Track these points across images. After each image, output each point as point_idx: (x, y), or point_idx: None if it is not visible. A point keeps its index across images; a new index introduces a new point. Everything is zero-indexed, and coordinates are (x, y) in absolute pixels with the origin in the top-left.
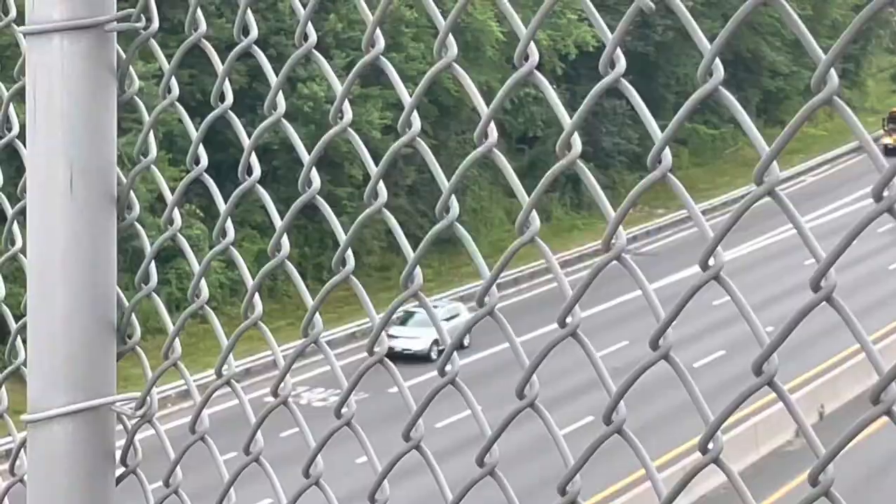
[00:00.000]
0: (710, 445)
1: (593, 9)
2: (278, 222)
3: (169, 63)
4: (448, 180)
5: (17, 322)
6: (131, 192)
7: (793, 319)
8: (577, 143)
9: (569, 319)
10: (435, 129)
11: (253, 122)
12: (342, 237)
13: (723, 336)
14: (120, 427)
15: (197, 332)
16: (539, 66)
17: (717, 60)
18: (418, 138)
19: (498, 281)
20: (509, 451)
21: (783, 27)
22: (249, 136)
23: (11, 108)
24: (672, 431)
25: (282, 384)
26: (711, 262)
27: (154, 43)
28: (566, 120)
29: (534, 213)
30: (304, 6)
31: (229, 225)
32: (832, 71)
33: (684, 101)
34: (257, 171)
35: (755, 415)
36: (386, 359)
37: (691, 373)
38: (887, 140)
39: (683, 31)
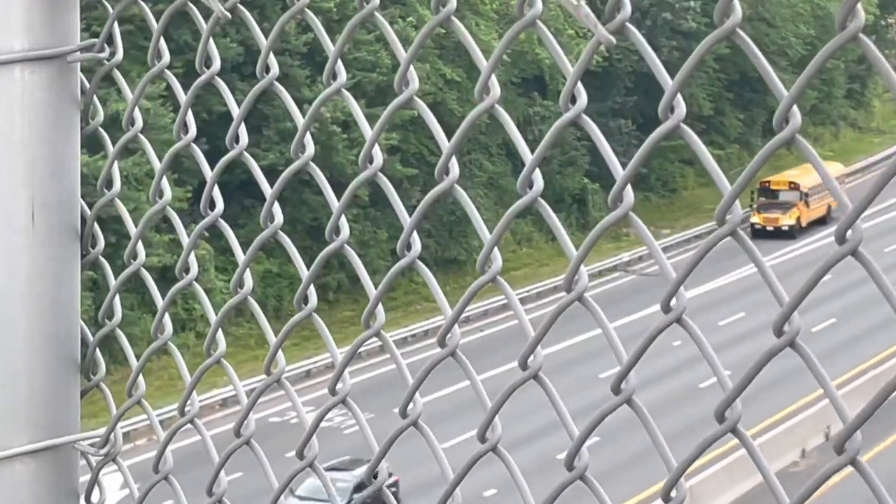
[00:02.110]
0: (674, 493)
1: (556, 44)
2: (241, 258)
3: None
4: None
5: None
6: (95, 226)
7: (755, 365)
8: (539, 181)
9: (530, 360)
10: (440, 151)
11: (258, 143)
12: (304, 273)
13: (728, 356)
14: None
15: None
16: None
17: (679, 96)
18: (380, 173)
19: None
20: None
21: (789, 47)
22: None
23: None
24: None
25: (245, 423)
26: (673, 303)
27: (118, 73)
28: (527, 156)
29: (496, 251)
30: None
31: (192, 259)
32: (795, 108)
33: (689, 123)
34: (220, 205)
35: (761, 435)
36: (348, 398)
37: (697, 393)
38: (755, 219)
39: (689, 51)
